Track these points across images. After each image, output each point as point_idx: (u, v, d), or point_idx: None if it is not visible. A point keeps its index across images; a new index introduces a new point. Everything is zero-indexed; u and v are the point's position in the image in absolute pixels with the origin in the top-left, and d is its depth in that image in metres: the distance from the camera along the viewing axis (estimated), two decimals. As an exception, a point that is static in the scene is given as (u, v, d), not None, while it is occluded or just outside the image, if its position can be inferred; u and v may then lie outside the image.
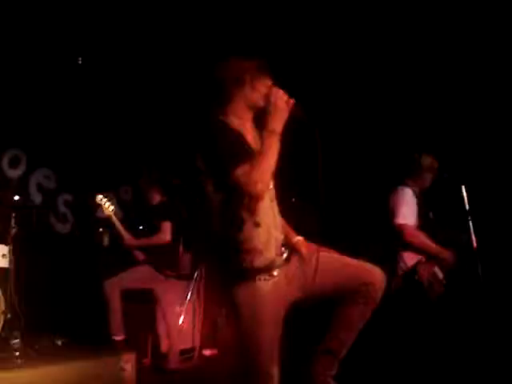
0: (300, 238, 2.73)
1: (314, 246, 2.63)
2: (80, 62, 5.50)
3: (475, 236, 4.20)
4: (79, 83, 5.82)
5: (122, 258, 5.25)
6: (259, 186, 2.34)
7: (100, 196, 5.06)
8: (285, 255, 2.57)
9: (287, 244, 2.62)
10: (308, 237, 2.74)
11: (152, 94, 6.00)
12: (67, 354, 4.40)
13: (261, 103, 2.53)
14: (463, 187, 4.33)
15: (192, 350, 5.30)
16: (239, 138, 2.49)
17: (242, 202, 2.40)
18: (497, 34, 4.81)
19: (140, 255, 5.07)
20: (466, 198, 4.30)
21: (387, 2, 5.00)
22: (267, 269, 2.44)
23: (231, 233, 2.43)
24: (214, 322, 5.64)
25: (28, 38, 5.31)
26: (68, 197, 6.14)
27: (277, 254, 2.50)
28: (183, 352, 5.08)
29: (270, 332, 2.43)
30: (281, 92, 2.47)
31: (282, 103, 2.44)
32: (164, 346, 5.02)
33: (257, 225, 2.43)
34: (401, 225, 4.21)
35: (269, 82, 2.56)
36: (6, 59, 5.32)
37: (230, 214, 2.43)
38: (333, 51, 5.40)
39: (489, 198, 4.79)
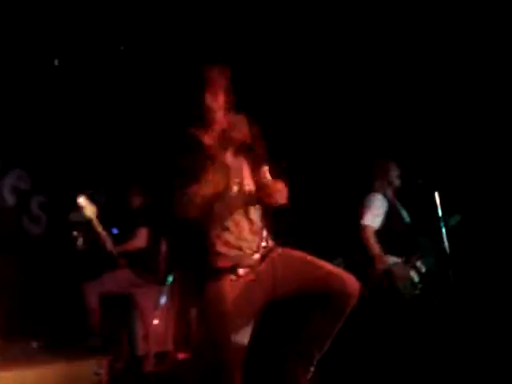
0: (273, 241, 2.74)
1: (288, 250, 2.67)
2: (56, 64, 5.44)
3: (448, 241, 4.27)
4: (54, 84, 5.76)
5: (98, 261, 5.22)
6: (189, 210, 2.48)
7: (81, 198, 5.01)
8: (256, 256, 2.60)
9: (262, 246, 2.64)
10: (285, 240, 2.76)
11: (128, 92, 5.95)
12: (41, 358, 4.40)
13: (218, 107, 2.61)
14: (436, 193, 4.41)
15: (166, 353, 5.28)
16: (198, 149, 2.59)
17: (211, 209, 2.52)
18: (472, 37, 4.87)
19: (121, 259, 5.04)
20: (439, 204, 4.38)
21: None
22: (232, 269, 2.53)
23: (201, 237, 2.55)
24: (187, 326, 5.63)
25: (3, 36, 5.24)
26: (42, 198, 6.07)
27: (246, 255, 2.56)
28: (157, 355, 5.07)
29: (233, 331, 2.46)
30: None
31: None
32: (140, 350, 5.00)
33: (225, 228, 2.54)
34: (361, 224, 4.41)
35: (226, 84, 2.62)
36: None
37: (198, 222, 2.54)
38: (299, 54, 5.38)
39: (461, 204, 4.87)
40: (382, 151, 5.00)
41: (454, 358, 3.89)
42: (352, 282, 2.58)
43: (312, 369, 2.63)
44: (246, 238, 2.58)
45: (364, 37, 5.18)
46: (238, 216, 2.57)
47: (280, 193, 2.52)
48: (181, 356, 5.48)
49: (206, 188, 2.45)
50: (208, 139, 2.64)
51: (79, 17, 5.05)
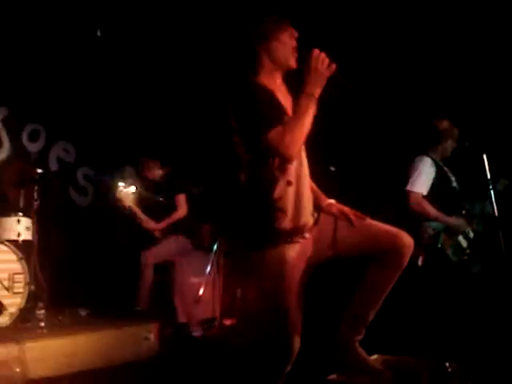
0: (332, 200, 2.71)
1: (346, 208, 2.63)
2: (99, 35, 5.47)
3: (497, 205, 4.18)
4: (98, 57, 5.80)
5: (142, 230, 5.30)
6: (291, 150, 2.31)
7: (120, 187, 5.06)
8: (315, 215, 2.57)
9: (317, 206, 2.61)
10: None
11: (173, 62, 5.95)
12: (91, 325, 4.49)
13: (290, 59, 2.49)
14: (485, 156, 4.30)
15: (212, 319, 5.36)
16: (271, 97, 2.45)
17: (273, 162, 2.38)
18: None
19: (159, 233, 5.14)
20: (487, 167, 4.28)
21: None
22: (300, 231, 2.43)
23: (263, 191, 2.40)
24: (233, 293, 5.69)
25: (47, 11, 5.29)
26: (88, 170, 6.16)
27: (308, 216, 2.50)
28: (204, 322, 5.14)
29: (294, 294, 2.42)
30: (323, 55, 2.38)
31: (322, 67, 2.36)
32: (188, 316, 5.09)
33: (289, 183, 2.40)
34: (408, 191, 4.22)
35: (294, 32, 2.51)
36: (23, 33, 5.32)
37: (262, 174, 2.40)
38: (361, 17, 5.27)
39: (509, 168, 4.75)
40: (428, 115, 4.89)
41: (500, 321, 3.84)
42: (405, 236, 2.56)
43: (364, 330, 2.62)
44: (307, 196, 2.51)
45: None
46: (299, 172, 2.48)
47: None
48: (227, 322, 5.57)
49: (301, 124, 2.32)
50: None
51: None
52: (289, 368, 2.46)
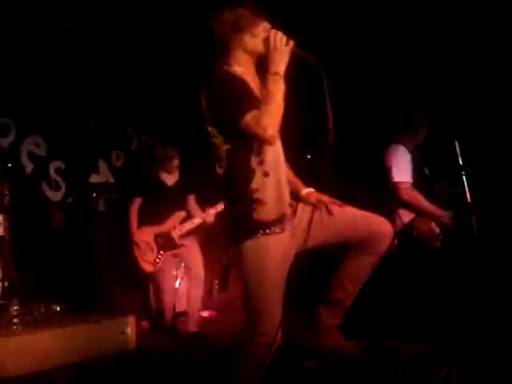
0: (310, 189, 2.70)
1: (325, 197, 2.63)
2: (67, 26, 5.38)
3: (469, 189, 4.24)
4: (67, 46, 5.70)
5: (118, 223, 5.26)
6: (269, 130, 2.31)
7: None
8: (293, 207, 2.56)
9: (295, 195, 2.61)
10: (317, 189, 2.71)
11: (146, 52, 5.88)
12: (66, 320, 4.45)
13: (261, 48, 2.48)
14: (456, 142, 4.36)
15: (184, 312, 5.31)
16: (245, 85, 2.46)
17: (251, 149, 2.38)
18: None
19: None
20: (459, 153, 4.33)
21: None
22: (278, 221, 2.43)
23: (241, 183, 2.40)
24: (210, 285, 5.69)
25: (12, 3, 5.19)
26: (59, 164, 6.08)
27: (286, 207, 2.49)
28: (181, 314, 5.11)
29: (274, 286, 2.42)
30: (279, 34, 2.41)
31: (281, 45, 2.39)
32: (165, 309, 5.04)
33: (266, 174, 2.40)
34: (396, 183, 4.26)
35: (267, 26, 2.51)
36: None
37: (239, 165, 2.40)
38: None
39: (482, 153, 4.81)
40: (400, 102, 4.93)
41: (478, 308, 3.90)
42: (384, 224, 2.58)
43: (342, 316, 2.65)
44: (284, 186, 2.50)
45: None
46: (276, 161, 2.48)
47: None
48: (205, 314, 5.57)
49: (274, 102, 2.32)
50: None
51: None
52: (269, 360, 2.45)
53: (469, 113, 4.97)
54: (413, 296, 3.99)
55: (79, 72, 5.92)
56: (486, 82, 4.98)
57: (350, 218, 2.58)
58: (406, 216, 4.27)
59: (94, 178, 5.11)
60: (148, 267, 4.94)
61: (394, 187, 4.25)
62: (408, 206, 4.28)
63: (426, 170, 4.50)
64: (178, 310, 5.11)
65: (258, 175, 2.39)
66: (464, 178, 4.28)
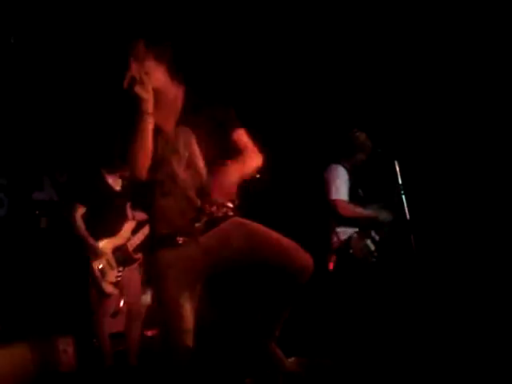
0: (228, 209, 2.63)
1: (240, 220, 2.61)
2: (12, 42, 5.29)
3: (408, 208, 4.37)
4: (11, 63, 5.62)
5: (60, 241, 5.18)
6: (133, 170, 2.52)
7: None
8: (198, 224, 2.55)
9: (209, 213, 2.57)
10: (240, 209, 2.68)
11: (80, 74, 5.83)
12: (5, 340, 4.36)
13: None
14: (396, 162, 4.49)
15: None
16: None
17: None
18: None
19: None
20: (398, 172, 4.47)
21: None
22: (172, 236, 2.55)
23: (148, 203, 2.63)
24: (153, 303, 5.62)
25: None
26: (2, 180, 5.97)
27: (186, 223, 2.54)
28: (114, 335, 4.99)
29: (177, 295, 2.48)
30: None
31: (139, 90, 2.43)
32: (108, 328, 4.91)
33: (164, 194, 2.58)
34: (333, 200, 4.38)
35: (161, 61, 2.56)
36: None
37: (144, 189, 2.62)
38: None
39: (420, 173, 4.97)
40: (341, 123, 5.05)
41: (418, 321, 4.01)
42: (305, 257, 2.55)
43: (277, 331, 2.64)
44: (186, 204, 2.56)
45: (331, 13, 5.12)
46: (178, 180, 2.56)
47: (258, 156, 2.62)
48: (149, 333, 5.50)
49: (135, 141, 2.46)
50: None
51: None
52: (188, 367, 2.47)
53: (409, 133, 5.13)
54: (351, 311, 4.09)
55: (22, 89, 5.84)
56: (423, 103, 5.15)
57: (268, 244, 2.54)
58: (342, 234, 4.39)
59: (38, 196, 4.99)
60: (109, 289, 4.54)
61: (331, 204, 4.37)
62: (346, 222, 4.39)
63: (360, 192, 4.64)
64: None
65: (158, 196, 2.59)
66: (403, 197, 4.41)
